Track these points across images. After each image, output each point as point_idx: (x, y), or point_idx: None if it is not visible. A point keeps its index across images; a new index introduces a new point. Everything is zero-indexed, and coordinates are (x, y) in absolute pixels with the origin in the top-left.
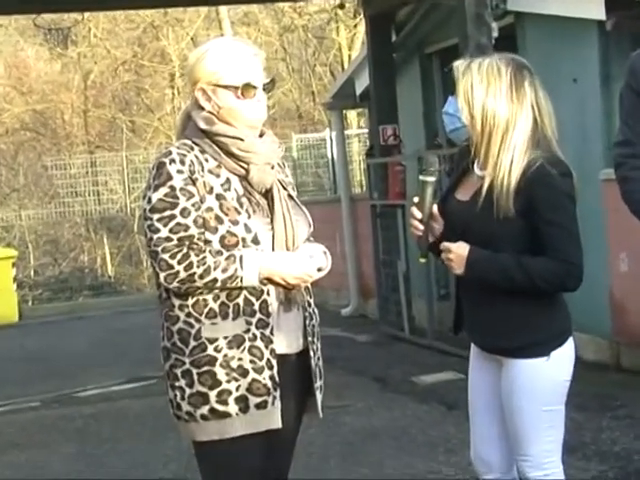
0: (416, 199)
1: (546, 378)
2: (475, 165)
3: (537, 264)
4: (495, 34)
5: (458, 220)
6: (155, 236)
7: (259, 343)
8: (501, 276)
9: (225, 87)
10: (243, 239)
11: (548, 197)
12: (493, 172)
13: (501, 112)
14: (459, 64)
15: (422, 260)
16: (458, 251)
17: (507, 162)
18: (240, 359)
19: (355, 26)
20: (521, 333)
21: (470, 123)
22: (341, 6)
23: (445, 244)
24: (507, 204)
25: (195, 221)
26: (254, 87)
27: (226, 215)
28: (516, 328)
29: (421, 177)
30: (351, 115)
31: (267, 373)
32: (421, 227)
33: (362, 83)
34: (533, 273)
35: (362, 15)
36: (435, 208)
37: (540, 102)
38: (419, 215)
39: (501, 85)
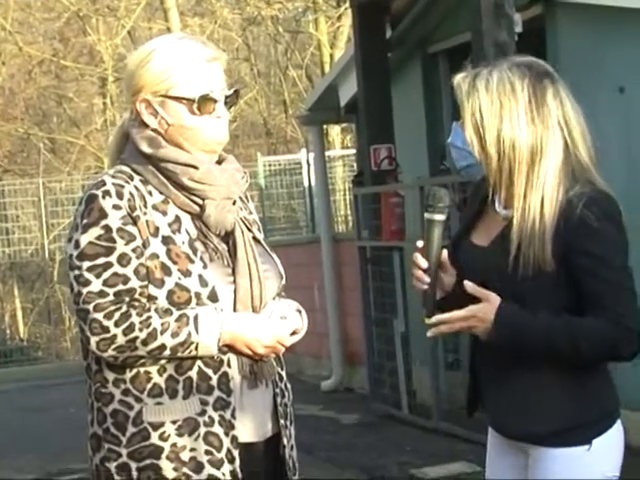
0: (420, 243)
1: (587, 473)
2: (496, 200)
3: (584, 324)
4: (518, 29)
5: (475, 271)
6: (85, 290)
7: (217, 429)
8: (541, 341)
9: (177, 99)
10: (197, 295)
11: (594, 249)
12: (521, 217)
13: (522, 140)
14: (460, 80)
15: (428, 321)
16: (483, 314)
17: (537, 202)
18: (193, 450)
19: (339, 18)
20: (555, 415)
21: (484, 159)
22: None
23: (463, 312)
24: (542, 253)
25: (136, 271)
26: (214, 100)
27: (175, 264)
28: (548, 408)
29: (427, 215)
30: (334, 132)
31: (227, 468)
32: (427, 279)
33: (348, 91)
34: (580, 336)
35: (348, 4)
36: (445, 254)
37: (569, 118)
38: (424, 264)
39: (518, 106)
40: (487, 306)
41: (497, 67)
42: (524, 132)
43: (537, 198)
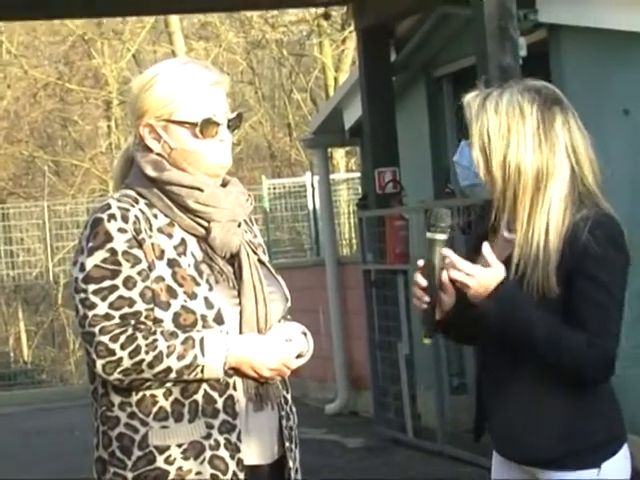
0: (421, 262)
1: None
2: (503, 224)
3: (572, 336)
4: (523, 52)
5: None
6: (90, 313)
7: (223, 452)
8: (526, 330)
9: (180, 123)
10: (203, 317)
11: (597, 273)
12: (524, 242)
13: (527, 165)
14: (470, 100)
15: (426, 341)
16: (484, 279)
17: (541, 228)
18: (199, 473)
19: (343, 41)
20: (562, 438)
21: (489, 181)
22: (326, 16)
23: (470, 267)
24: (546, 281)
25: (142, 294)
26: (216, 124)
27: (181, 286)
28: (556, 431)
29: (429, 234)
30: (338, 155)
31: None
32: (426, 298)
33: (352, 114)
34: (565, 343)
35: (352, 27)
36: (445, 275)
37: (577, 145)
38: (424, 283)
39: (525, 130)
40: (491, 275)
41: (508, 90)
42: (530, 157)
43: (542, 224)
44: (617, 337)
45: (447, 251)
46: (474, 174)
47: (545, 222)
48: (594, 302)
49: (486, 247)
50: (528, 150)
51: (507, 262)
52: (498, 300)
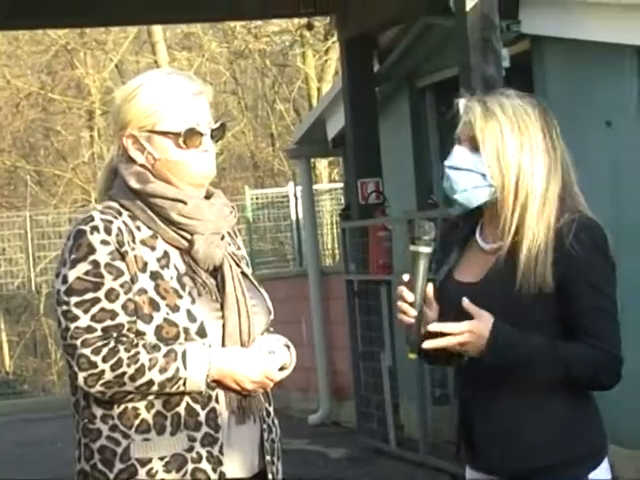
0: (407, 277)
1: None
2: (478, 237)
3: (574, 349)
4: (506, 63)
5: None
6: (72, 325)
7: (205, 465)
8: (533, 363)
9: (163, 134)
10: (185, 330)
11: (586, 277)
12: (531, 243)
13: (539, 171)
14: (469, 103)
15: (412, 356)
16: (478, 329)
17: (544, 230)
18: None
19: (326, 51)
20: (548, 450)
21: (501, 186)
22: (309, 26)
23: (462, 326)
24: (545, 280)
25: (124, 306)
26: (200, 134)
27: (163, 299)
28: (541, 443)
29: (412, 248)
30: (321, 165)
31: None
32: (413, 312)
33: (335, 125)
34: (571, 360)
35: (335, 38)
36: (430, 289)
37: (564, 149)
38: (410, 298)
39: (536, 135)
40: (482, 323)
41: (499, 95)
42: (540, 163)
43: (544, 226)
44: (620, 340)
45: (435, 325)
46: (482, 176)
47: (547, 223)
48: (596, 309)
49: (465, 301)
50: (539, 155)
51: (497, 271)
52: (495, 349)
